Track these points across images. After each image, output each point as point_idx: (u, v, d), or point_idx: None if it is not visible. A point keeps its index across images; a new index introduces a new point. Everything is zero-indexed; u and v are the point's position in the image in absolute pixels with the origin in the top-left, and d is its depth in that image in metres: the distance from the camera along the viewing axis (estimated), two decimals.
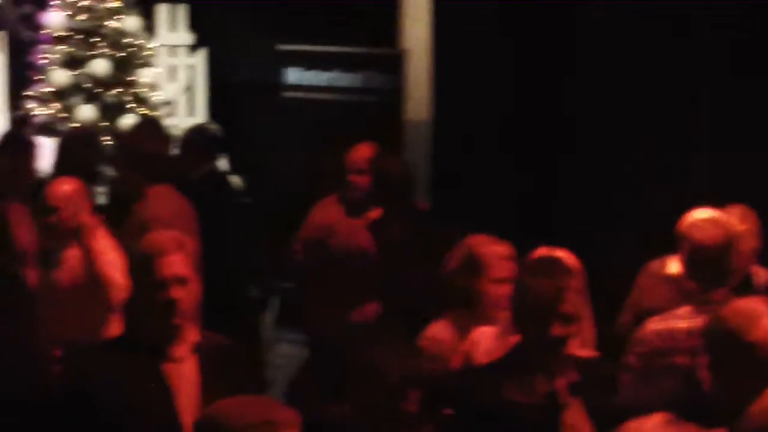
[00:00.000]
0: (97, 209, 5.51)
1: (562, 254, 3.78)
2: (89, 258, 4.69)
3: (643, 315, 4.25)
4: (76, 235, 4.81)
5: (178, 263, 3.18)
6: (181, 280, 3.13)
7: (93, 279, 4.71)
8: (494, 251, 4.01)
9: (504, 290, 3.87)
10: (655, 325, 3.92)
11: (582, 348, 3.69)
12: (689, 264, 4.05)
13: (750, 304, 3.11)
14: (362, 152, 5.62)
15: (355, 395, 3.10)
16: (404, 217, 5.48)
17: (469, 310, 3.99)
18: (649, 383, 3.80)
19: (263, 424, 2.31)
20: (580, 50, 6.80)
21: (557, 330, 3.34)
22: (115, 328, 4.59)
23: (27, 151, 6.23)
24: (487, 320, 3.92)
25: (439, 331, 3.91)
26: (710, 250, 3.88)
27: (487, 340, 3.77)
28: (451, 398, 2.99)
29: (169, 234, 3.41)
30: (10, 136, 6.74)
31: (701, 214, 4.21)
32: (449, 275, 4.07)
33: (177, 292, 3.11)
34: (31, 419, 4.51)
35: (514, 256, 4.02)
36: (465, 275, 4.00)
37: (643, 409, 3.03)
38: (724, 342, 3.06)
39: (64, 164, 5.77)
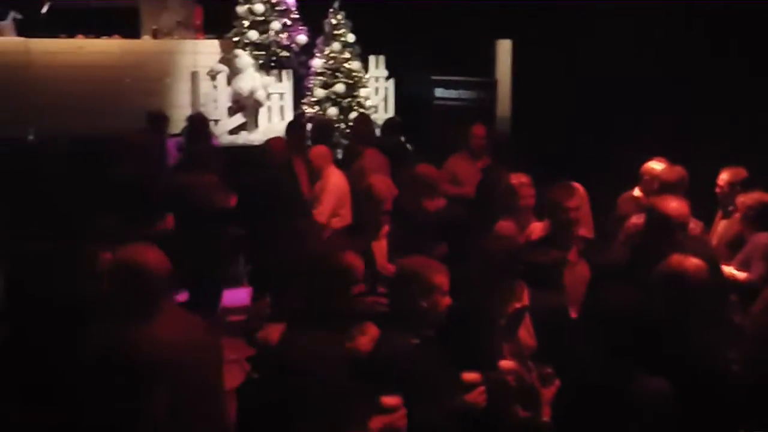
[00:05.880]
0: (336, 162, 6.94)
1: (577, 185, 4.64)
2: (321, 185, 6.20)
3: (616, 219, 5.26)
4: (319, 173, 6.38)
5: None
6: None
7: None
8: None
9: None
10: (636, 219, 4.71)
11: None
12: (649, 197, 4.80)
13: (673, 198, 4.01)
14: (480, 128, 7.31)
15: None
16: (505, 167, 6.15)
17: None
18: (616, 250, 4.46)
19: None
20: None
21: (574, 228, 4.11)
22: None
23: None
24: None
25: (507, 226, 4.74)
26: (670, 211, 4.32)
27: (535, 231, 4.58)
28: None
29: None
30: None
31: (656, 165, 5.28)
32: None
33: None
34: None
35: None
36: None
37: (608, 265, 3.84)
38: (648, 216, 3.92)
39: (316, 139, 7.51)
